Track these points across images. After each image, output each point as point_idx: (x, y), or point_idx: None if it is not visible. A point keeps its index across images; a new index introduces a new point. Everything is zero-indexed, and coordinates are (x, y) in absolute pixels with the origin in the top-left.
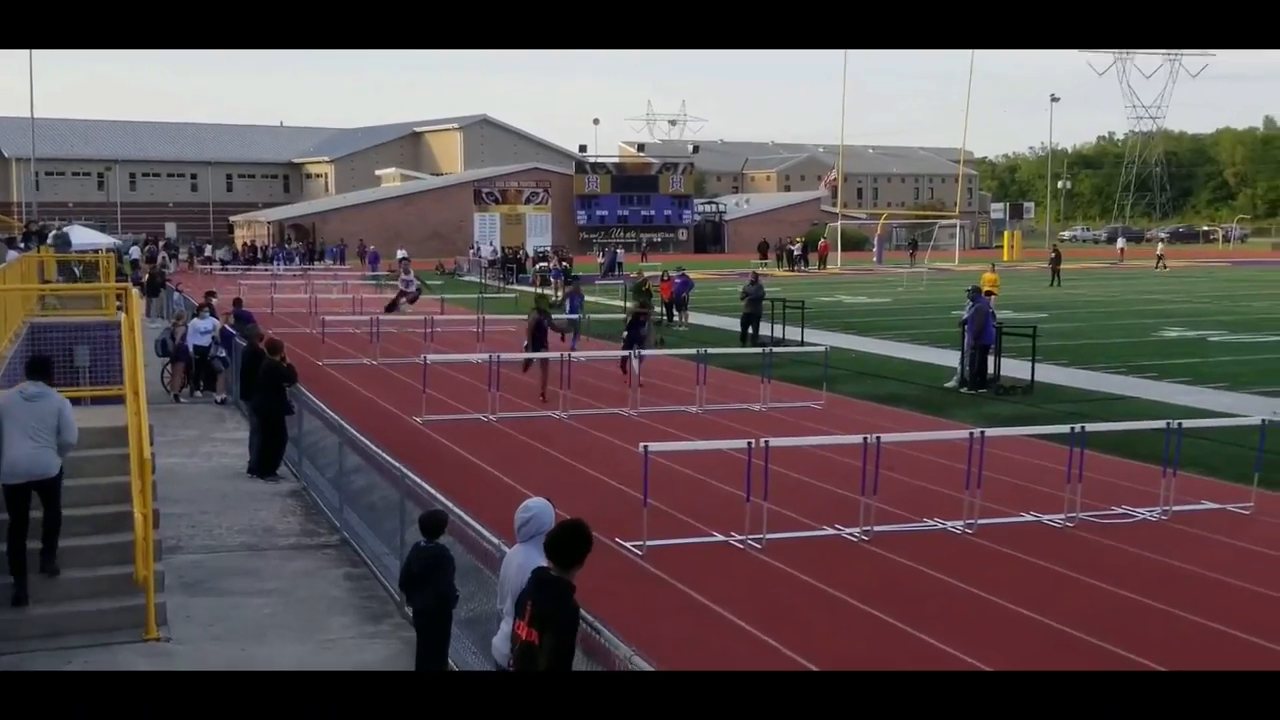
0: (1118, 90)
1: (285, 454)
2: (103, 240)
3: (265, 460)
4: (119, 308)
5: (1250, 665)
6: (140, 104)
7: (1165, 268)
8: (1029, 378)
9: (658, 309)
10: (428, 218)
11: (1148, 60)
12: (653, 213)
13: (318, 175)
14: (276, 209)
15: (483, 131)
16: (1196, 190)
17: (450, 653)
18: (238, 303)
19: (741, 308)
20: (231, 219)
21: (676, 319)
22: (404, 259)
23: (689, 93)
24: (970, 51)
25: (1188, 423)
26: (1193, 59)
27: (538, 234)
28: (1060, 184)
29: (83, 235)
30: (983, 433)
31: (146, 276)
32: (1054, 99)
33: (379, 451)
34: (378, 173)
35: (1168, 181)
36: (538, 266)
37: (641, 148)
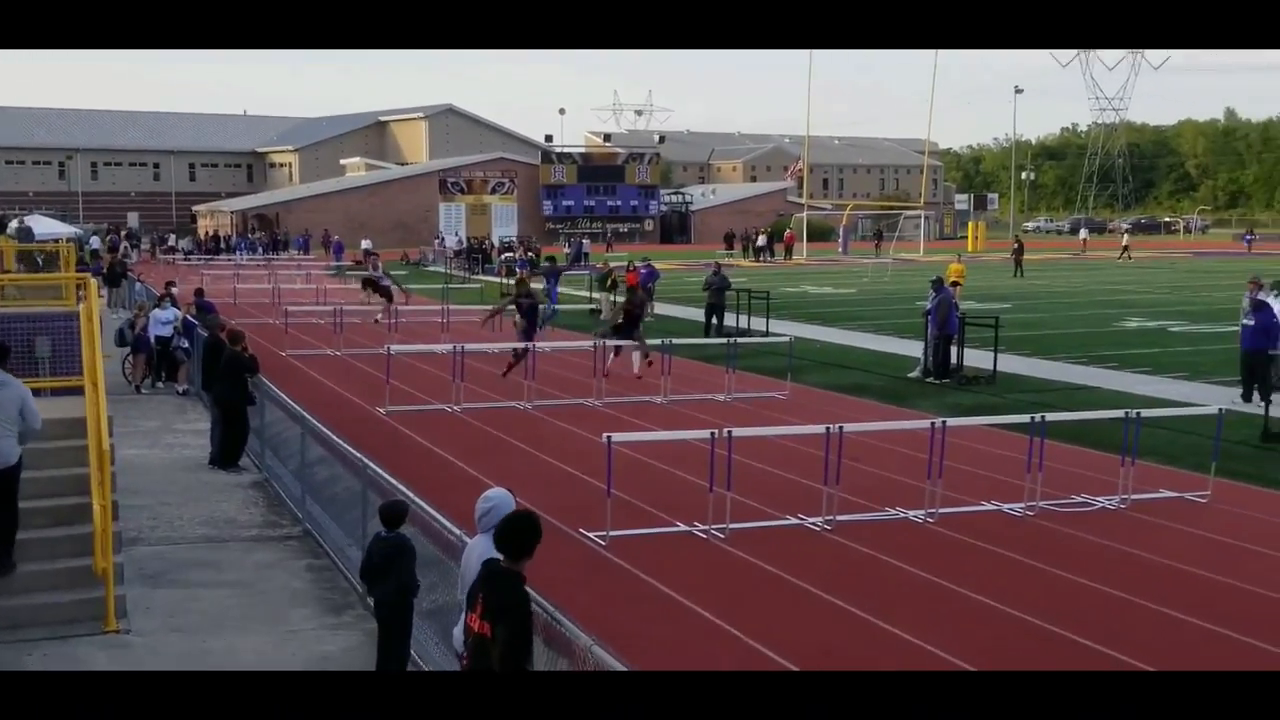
0: (1081, 82)
1: (247, 445)
2: (63, 230)
3: (227, 451)
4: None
5: (1206, 653)
6: (102, 92)
7: (1130, 258)
8: (992, 368)
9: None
10: (393, 208)
11: (1111, 53)
12: (619, 203)
13: (282, 165)
14: (240, 199)
15: (448, 121)
16: (1158, 181)
17: (412, 644)
18: (199, 293)
19: (705, 298)
20: (194, 209)
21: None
22: (373, 254)
23: (655, 83)
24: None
25: (1147, 412)
26: (1155, 51)
27: (503, 224)
28: (1024, 175)
29: (43, 225)
30: (944, 422)
31: (107, 266)
32: (1018, 91)
33: (341, 442)
34: (342, 162)
35: (1130, 173)
36: (503, 257)
37: (608, 138)
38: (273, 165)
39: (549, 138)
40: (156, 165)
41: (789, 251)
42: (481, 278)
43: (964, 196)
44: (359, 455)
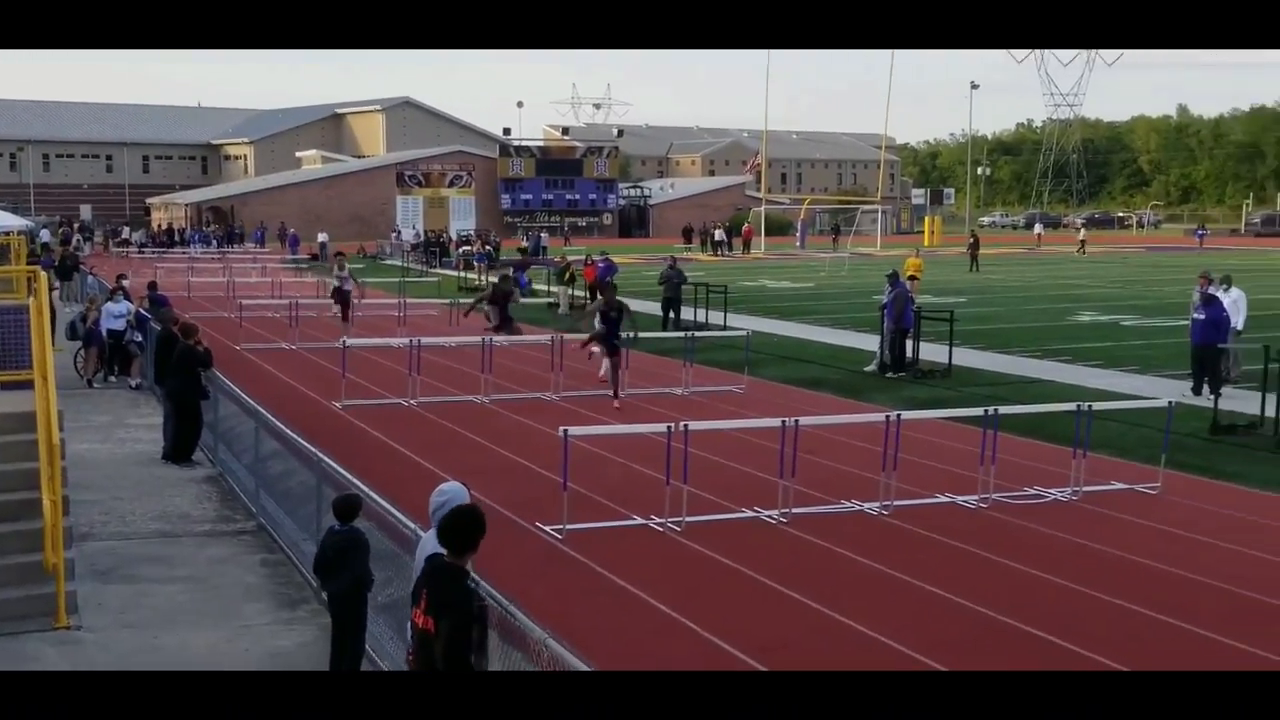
0: (1036, 78)
1: (201, 439)
2: (14, 223)
3: (180, 446)
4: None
5: (1157, 642)
6: (54, 83)
7: (1085, 253)
8: (947, 361)
9: (582, 293)
10: (349, 200)
11: (1065, 50)
12: (577, 197)
13: (237, 157)
14: (194, 191)
15: (405, 113)
16: (1112, 177)
17: (367, 638)
18: (153, 286)
19: (661, 293)
20: (148, 201)
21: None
22: (340, 254)
23: (614, 77)
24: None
25: (1098, 405)
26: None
27: (461, 217)
28: (980, 170)
29: None
30: (899, 415)
31: (59, 259)
32: (974, 86)
33: (296, 436)
34: (298, 154)
35: (1084, 168)
36: (461, 250)
37: (566, 131)
38: (228, 158)
39: (507, 131)
40: (110, 157)
41: (747, 245)
42: (439, 271)
43: (920, 191)
44: (313, 449)
